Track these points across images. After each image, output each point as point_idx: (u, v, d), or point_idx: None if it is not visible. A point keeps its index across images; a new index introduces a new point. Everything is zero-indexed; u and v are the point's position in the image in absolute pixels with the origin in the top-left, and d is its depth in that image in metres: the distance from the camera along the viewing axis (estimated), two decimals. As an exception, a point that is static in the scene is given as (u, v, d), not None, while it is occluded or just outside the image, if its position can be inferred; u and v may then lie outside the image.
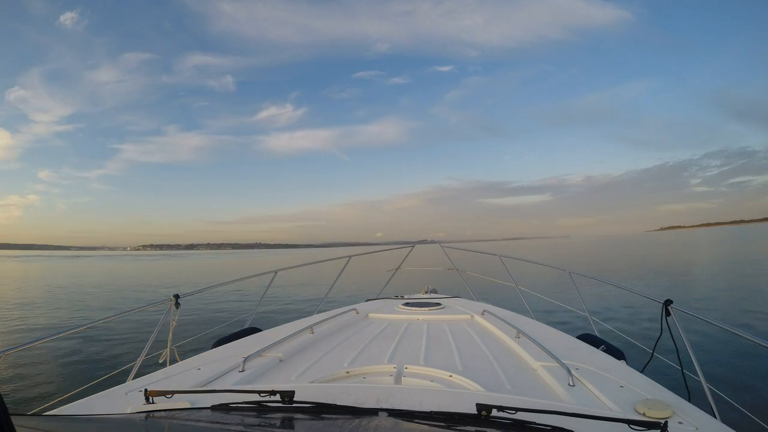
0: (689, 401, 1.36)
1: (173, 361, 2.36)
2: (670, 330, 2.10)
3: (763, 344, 1.57)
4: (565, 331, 2.49)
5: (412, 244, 5.53)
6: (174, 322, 2.60)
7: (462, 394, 1.42)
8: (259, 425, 1.07)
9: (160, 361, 2.42)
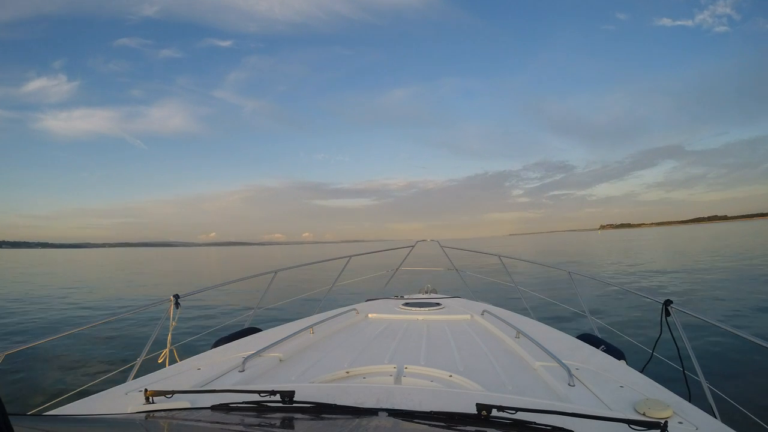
0: (689, 401, 1.36)
1: (173, 361, 2.36)
2: (670, 330, 2.10)
3: (763, 344, 1.57)
4: (565, 331, 2.49)
5: (412, 243, 5.53)
6: (174, 322, 2.60)
7: (462, 394, 1.42)
8: (259, 425, 1.07)
9: (159, 361, 2.42)
